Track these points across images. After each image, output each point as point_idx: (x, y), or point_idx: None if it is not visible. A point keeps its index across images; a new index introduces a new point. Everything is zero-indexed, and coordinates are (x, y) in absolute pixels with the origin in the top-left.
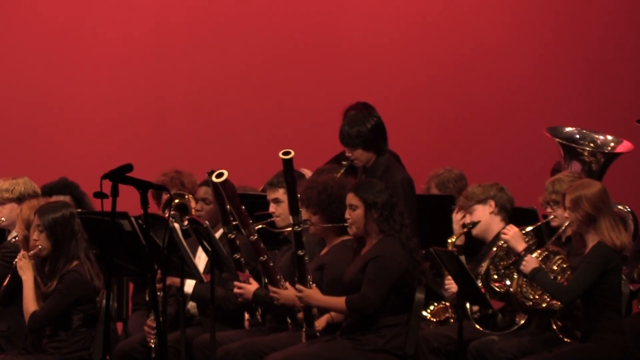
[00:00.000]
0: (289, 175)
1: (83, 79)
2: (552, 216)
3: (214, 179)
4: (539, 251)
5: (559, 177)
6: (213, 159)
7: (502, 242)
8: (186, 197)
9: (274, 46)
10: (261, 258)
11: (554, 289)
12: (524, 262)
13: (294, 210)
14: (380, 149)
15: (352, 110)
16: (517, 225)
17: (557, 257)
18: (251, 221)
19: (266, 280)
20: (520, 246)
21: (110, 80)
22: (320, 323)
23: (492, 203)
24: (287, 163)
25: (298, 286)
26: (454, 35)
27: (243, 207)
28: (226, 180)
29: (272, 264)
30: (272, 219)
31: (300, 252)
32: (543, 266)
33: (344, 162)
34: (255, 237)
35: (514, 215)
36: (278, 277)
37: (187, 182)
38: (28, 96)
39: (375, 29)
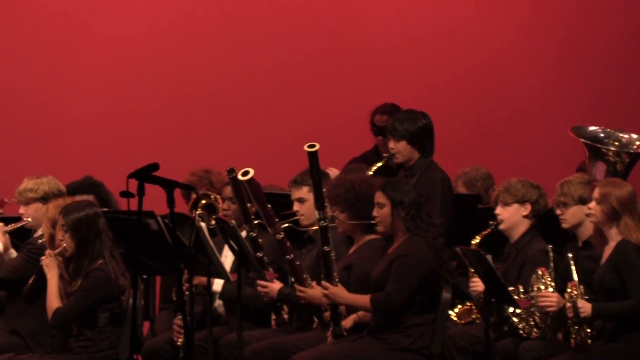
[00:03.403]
0: (314, 168)
1: (109, 77)
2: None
3: (240, 177)
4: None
5: (569, 179)
6: (239, 158)
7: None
8: (212, 197)
9: (298, 45)
10: (288, 257)
11: (626, 311)
12: (580, 311)
13: (319, 204)
14: (424, 149)
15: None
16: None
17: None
18: (277, 219)
19: (292, 280)
20: (562, 302)
21: (136, 78)
22: (347, 322)
23: (529, 207)
24: (312, 156)
25: (324, 283)
26: (477, 35)
27: (269, 206)
28: (252, 178)
29: (298, 263)
30: (296, 218)
31: (326, 248)
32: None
33: (385, 155)
34: (282, 235)
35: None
36: (304, 275)
37: (216, 181)
38: (52, 95)
39: (400, 28)
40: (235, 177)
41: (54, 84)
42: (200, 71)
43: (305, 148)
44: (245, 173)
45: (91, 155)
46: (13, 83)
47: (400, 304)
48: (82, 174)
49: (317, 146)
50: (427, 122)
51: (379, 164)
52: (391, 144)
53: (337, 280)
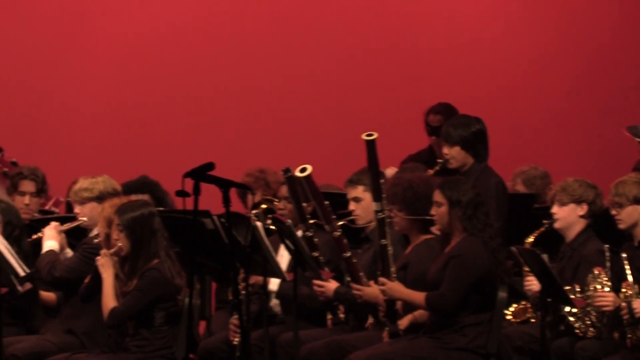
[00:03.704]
0: (371, 158)
1: (165, 77)
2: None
3: (297, 173)
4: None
5: (624, 179)
6: (294, 157)
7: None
8: (275, 203)
9: (356, 45)
10: (345, 254)
11: None
12: (635, 311)
13: (377, 196)
14: (478, 154)
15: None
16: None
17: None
18: (334, 216)
19: (349, 279)
20: (617, 302)
21: (192, 78)
22: (403, 323)
23: (585, 207)
24: (370, 144)
25: (381, 279)
26: (535, 34)
27: (326, 202)
28: (309, 175)
29: (355, 261)
30: (352, 217)
31: (383, 242)
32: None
33: (439, 161)
34: (339, 233)
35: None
36: (361, 274)
37: (272, 181)
38: (109, 95)
39: (456, 28)
40: (291, 176)
41: (107, 86)
42: (258, 70)
43: (363, 137)
44: (303, 170)
45: (147, 154)
46: (77, 85)
47: (454, 304)
48: (137, 174)
49: (375, 135)
50: (481, 127)
51: (436, 169)
52: (445, 150)
53: (394, 275)
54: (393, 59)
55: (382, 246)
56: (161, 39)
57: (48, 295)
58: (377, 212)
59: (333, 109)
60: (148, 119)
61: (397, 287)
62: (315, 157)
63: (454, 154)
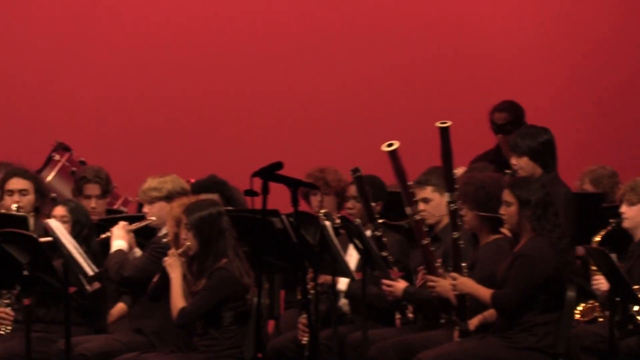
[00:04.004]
0: (445, 146)
1: (234, 77)
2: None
3: (384, 148)
4: None
5: None
6: (361, 157)
7: None
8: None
9: (424, 48)
10: (423, 241)
11: None
12: None
13: (450, 186)
14: (546, 164)
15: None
16: None
17: None
18: (415, 199)
19: (423, 270)
20: None
21: (262, 78)
22: (473, 323)
23: None
24: (444, 132)
25: (452, 274)
26: (600, 34)
27: (409, 183)
28: (394, 150)
29: (432, 249)
30: (421, 217)
31: (455, 234)
32: None
33: (507, 172)
34: (419, 217)
35: None
36: (437, 264)
37: (332, 179)
38: (179, 95)
39: (522, 29)
40: (360, 176)
41: (193, 84)
42: (325, 71)
43: (438, 124)
44: (390, 145)
45: (216, 153)
46: (148, 84)
47: (516, 304)
48: (207, 173)
49: (449, 123)
50: (549, 137)
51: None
52: (513, 160)
53: (465, 271)
54: (457, 60)
55: (454, 239)
56: (234, 37)
57: (120, 308)
58: (449, 202)
59: (401, 108)
60: (218, 118)
61: (468, 282)
62: (382, 157)
63: (522, 165)
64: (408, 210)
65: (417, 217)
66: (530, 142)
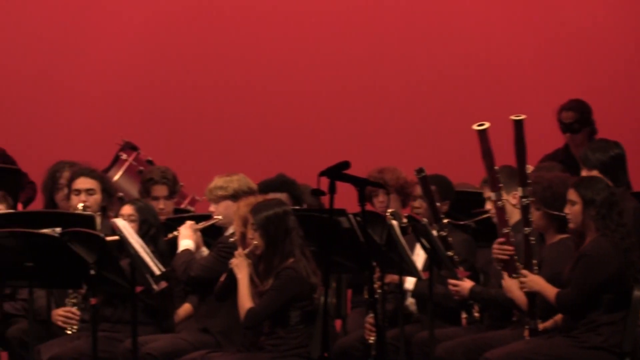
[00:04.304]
0: (518, 139)
1: (304, 77)
2: None
3: (475, 127)
4: None
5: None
6: (428, 156)
7: None
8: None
9: (488, 45)
10: (504, 229)
11: None
12: None
13: (522, 181)
14: (617, 178)
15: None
16: None
17: None
18: (501, 184)
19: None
20: None
21: (329, 77)
22: (546, 325)
23: None
24: (518, 125)
25: (523, 271)
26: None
27: (496, 167)
28: (484, 130)
29: (512, 240)
30: (489, 215)
31: (526, 230)
32: None
33: None
34: (502, 204)
35: None
36: (515, 257)
37: (390, 179)
38: (247, 93)
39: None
40: (424, 176)
41: (259, 85)
42: (391, 71)
43: (512, 117)
44: (481, 125)
45: (283, 153)
46: (214, 84)
47: (578, 303)
48: (274, 172)
49: (523, 116)
50: (620, 152)
51: None
52: (584, 173)
53: (535, 268)
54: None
55: (525, 235)
56: (308, 36)
57: (186, 308)
58: (521, 197)
59: (464, 109)
60: (286, 117)
61: (537, 280)
62: (450, 158)
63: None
64: (491, 195)
65: (500, 203)
66: (600, 155)
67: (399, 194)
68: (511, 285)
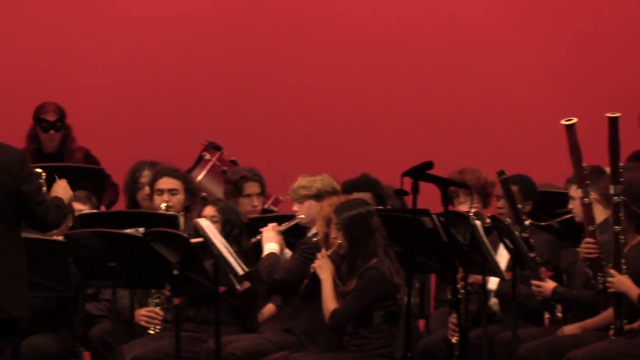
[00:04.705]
0: (612, 137)
1: (385, 77)
2: None
3: (564, 122)
4: None
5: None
6: (510, 157)
7: None
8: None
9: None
10: (590, 227)
11: None
12: None
13: (615, 179)
14: None
15: None
16: None
17: None
18: (588, 182)
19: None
20: None
21: (411, 78)
22: (634, 326)
23: None
24: (612, 122)
25: (611, 271)
26: None
27: (584, 165)
28: (572, 125)
29: (599, 238)
30: (571, 215)
31: (617, 228)
32: None
33: None
34: (589, 201)
35: None
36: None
37: (470, 179)
38: (328, 94)
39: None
40: (505, 179)
41: (334, 85)
42: (471, 73)
43: (608, 115)
44: (569, 120)
45: (367, 153)
46: (286, 85)
47: None
48: (358, 172)
49: (618, 114)
50: None
51: None
52: None
53: (624, 268)
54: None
55: (615, 234)
56: (384, 36)
57: (270, 309)
58: (613, 195)
59: (549, 108)
60: (369, 117)
61: (624, 280)
62: (533, 158)
63: None
64: (577, 192)
65: (586, 200)
66: None
67: (479, 194)
68: (623, 279)
